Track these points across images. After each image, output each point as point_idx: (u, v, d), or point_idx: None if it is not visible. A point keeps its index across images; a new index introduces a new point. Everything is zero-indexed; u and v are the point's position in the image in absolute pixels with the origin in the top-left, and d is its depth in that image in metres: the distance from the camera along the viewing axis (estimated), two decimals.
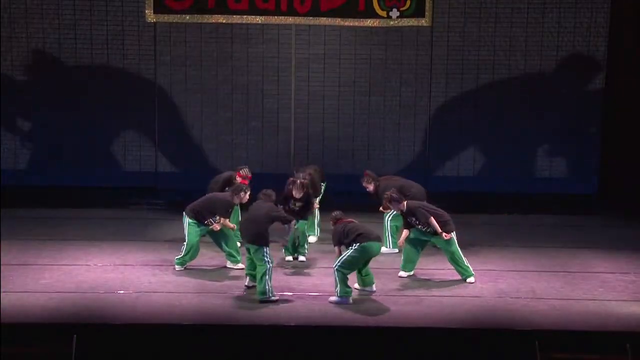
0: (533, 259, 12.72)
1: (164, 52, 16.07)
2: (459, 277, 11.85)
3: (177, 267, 12.11)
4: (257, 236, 11.17)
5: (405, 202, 11.92)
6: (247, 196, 12.21)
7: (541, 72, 16.21)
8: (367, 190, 13.13)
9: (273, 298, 11.02)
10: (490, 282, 11.75)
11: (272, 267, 11.11)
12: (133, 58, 16.11)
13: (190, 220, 12.09)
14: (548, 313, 10.61)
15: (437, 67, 16.23)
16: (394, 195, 11.98)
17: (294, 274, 12.07)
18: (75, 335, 9.53)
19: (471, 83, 16.27)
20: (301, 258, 12.72)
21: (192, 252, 12.13)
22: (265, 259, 11.11)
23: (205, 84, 16.28)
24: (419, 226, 11.83)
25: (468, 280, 11.79)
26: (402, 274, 12.03)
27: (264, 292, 11.00)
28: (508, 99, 16.33)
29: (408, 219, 11.89)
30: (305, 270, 12.23)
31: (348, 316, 10.55)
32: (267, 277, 11.02)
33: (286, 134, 15.53)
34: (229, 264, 12.27)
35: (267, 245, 11.19)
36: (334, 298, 11.05)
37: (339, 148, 15.50)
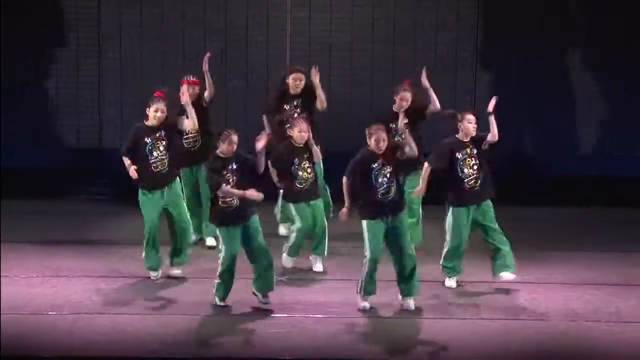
0: (618, 268, 12.32)
1: None
2: (515, 289, 11.58)
3: (152, 274, 11.76)
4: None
5: None
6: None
7: None
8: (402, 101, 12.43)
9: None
10: (558, 298, 11.23)
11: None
12: None
13: (141, 192, 11.66)
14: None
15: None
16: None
17: (291, 287, 11.65)
18: None
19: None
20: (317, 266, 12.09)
21: (152, 230, 11.64)
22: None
23: (168, 28, 15.75)
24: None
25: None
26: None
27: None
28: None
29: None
30: (306, 283, 11.81)
31: (362, 346, 10.00)
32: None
33: None
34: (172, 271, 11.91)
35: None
36: None
37: (351, 115, 14.96)
